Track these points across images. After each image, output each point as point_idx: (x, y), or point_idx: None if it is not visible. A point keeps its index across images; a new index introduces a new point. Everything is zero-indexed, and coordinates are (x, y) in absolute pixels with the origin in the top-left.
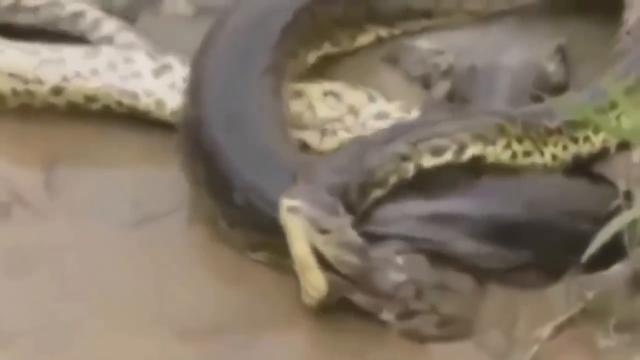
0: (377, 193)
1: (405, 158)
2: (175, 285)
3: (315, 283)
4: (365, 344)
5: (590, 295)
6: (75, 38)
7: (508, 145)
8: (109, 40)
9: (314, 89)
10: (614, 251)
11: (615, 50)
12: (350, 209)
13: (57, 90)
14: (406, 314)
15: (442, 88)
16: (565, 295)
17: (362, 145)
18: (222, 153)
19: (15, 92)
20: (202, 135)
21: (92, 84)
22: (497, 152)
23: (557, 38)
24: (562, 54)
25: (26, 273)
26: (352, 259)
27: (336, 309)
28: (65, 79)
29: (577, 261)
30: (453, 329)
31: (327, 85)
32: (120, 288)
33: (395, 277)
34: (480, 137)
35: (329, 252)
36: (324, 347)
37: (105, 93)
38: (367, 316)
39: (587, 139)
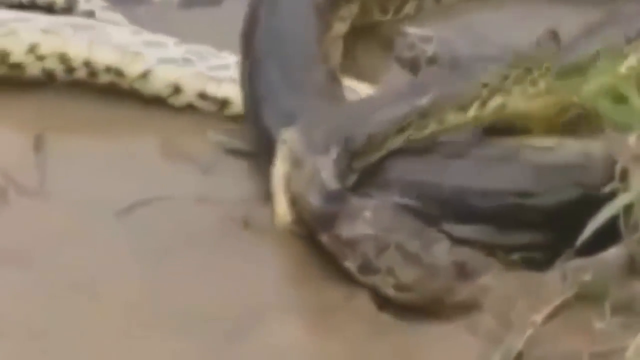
0: (389, 146)
1: (424, 114)
2: (171, 273)
3: (280, 212)
4: (359, 332)
5: (585, 278)
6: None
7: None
8: None
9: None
10: (608, 234)
11: None
12: (353, 157)
13: (145, 74)
14: (367, 269)
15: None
16: (560, 279)
17: (378, 98)
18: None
19: (108, 69)
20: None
21: (179, 72)
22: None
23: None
24: (555, 39)
25: (23, 263)
26: (313, 201)
27: (330, 297)
28: (159, 62)
29: (570, 243)
30: (414, 297)
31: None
32: (115, 278)
33: (359, 229)
34: (498, 89)
35: (296, 186)
36: (319, 336)
37: (190, 82)
38: (362, 304)
39: None
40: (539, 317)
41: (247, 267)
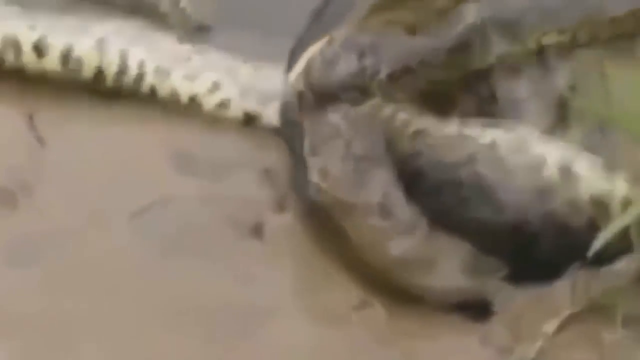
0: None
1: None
2: (178, 274)
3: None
4: (367, 340)
5: (596, 290)
6: None
7: None
8: None
9: None
10: (620, 245)
11: None
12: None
13: (190, 77)
14: (314, 150)
15: None
16: (571, 290)
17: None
18: None
19: (157, 69)
20: None
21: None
22: None
23: None
24: None
25: (32, 262)
26: (319, 76)
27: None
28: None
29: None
30: (328, 194)
31: None
32: (122, 278)
33: (332, 117)
34: None
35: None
36: (326, 341)
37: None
38: (373, 312)
39: None
40: (549, 329)
41: (255, 270)
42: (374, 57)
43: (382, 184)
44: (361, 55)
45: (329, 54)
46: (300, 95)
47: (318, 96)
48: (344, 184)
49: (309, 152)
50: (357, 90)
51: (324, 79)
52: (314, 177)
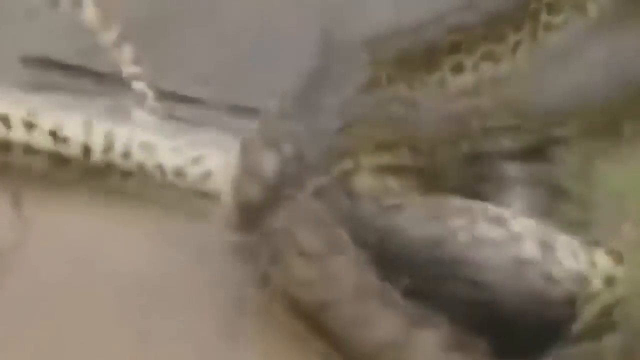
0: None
1: None
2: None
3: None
4: None
5: None
6: None
7: None
8: None
9: None
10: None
11: None
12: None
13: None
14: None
15: None
16: None
17: None
18: None
19: (143, 145)
20: None
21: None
22: None
23: None
24: None
25: (15, 337)
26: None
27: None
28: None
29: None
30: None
31: None
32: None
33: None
34: None
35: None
36: None
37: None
38: None
39: None
40: None
41: (237, 349)
42: (292, 146)
43: (350, 275)
44: (278, 150)
45: (248, 164)
46: (235, 215)
47: (252, 210)
48: (311, 286)
49: (267, 264)
50: (286, 186)
51: (252, 191)
52: (280, 285)
